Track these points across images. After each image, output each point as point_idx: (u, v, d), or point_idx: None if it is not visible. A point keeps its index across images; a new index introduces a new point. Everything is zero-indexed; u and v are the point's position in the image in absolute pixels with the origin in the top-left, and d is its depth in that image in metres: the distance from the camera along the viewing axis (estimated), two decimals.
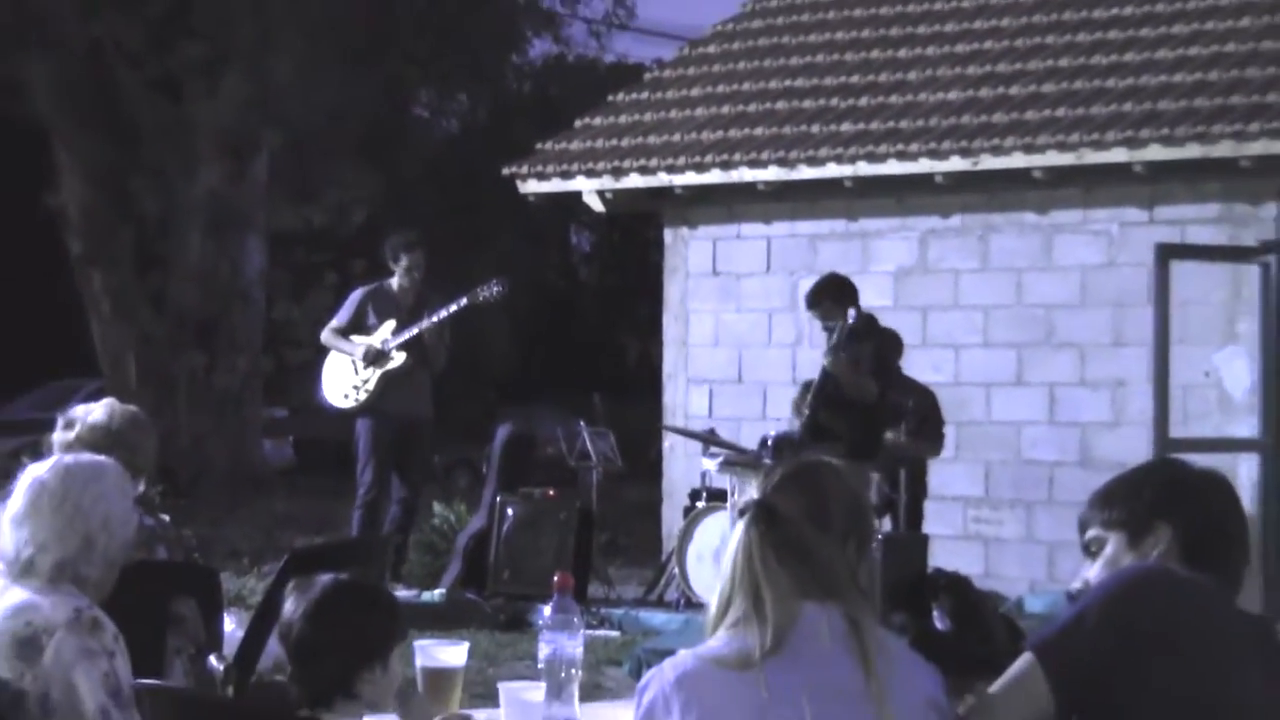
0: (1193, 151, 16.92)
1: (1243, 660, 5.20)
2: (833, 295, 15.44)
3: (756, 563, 4.86)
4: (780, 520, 4.91)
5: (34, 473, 6.15)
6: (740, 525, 4.92)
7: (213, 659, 7.00)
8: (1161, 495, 5.39)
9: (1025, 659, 5.08)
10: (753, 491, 5.07)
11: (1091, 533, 5.42)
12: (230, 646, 7.41)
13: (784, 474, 5.19)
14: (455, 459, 21.39)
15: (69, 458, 6.31)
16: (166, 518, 8.07)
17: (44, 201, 29.72)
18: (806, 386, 15.56)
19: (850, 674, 4.84)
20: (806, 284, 15.82)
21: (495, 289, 16.78)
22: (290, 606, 5.89)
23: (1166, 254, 16.57)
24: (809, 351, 16.35)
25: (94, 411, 7.75)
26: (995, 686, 5.10)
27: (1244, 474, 16.60)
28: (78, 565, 6.00)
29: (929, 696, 4.97)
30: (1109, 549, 5.38)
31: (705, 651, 4.90)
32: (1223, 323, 17.00)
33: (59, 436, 7.54)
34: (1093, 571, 5.39)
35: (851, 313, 15.23)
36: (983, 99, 18.73)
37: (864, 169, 18.43)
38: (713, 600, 4.96)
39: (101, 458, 6.43)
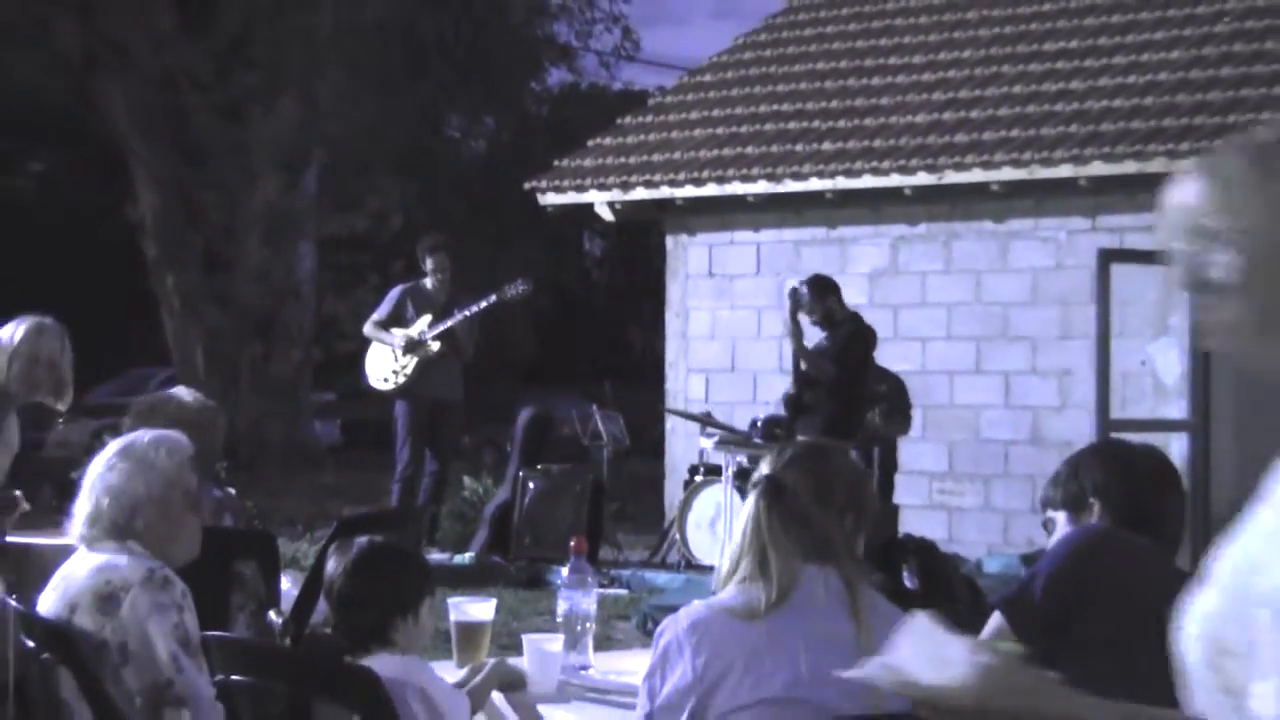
0: (1130, 168, 16.93)
1: (1174, 606, 5.23)
2: (819, 289, 15.54)
3: (764, 529, 4.97)
4: (787, 493, 5.01)
5: (113, 446, 6.18)
6: (752, 497, 5.04)
7: (271, 614, 7.02)
8: (1094, 477, 5.54)
9: (994, 618, 5.27)
10: (764, 467, 5.10)
11: (1046, 515, 5.63)
12: (286, 603, 7.40)
13: (794, 454, 5.23)
14: (482, 438, 21.36)
15: (144, 432, 6.32)
16: (232, 490, 8.09)
17: (124, 212, 29.66)
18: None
19: (843, 626, 4.94)
20: (792, 284, 15.80)
21: (521, 287, 16.80)
22: (332, 565, 6.04)
23: (1108, 258, 16.56)
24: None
25: (173, 398, 7.76)
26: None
27: (1176, 450, 16.60)
28: (146, 525, 6.00)
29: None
30: (1057, 528, 5.55)
31: (716, 603, 5.02)
32: (1156, 318, 16.99)
33: (134, 418, 7.53)
34: (1052, 541, 5.55)
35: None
36: (946, 121, 18.72)
37: (842, 183, 18.43)
38: (724, 560, 5.15)
39: (173, 432, 6.43)
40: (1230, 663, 2.91)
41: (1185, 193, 3.06)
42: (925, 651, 3.19)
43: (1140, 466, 5.63)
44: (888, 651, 3.24)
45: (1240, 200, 3.00)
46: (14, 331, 8.50)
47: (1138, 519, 5.47)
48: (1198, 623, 3.15)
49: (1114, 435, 5.55)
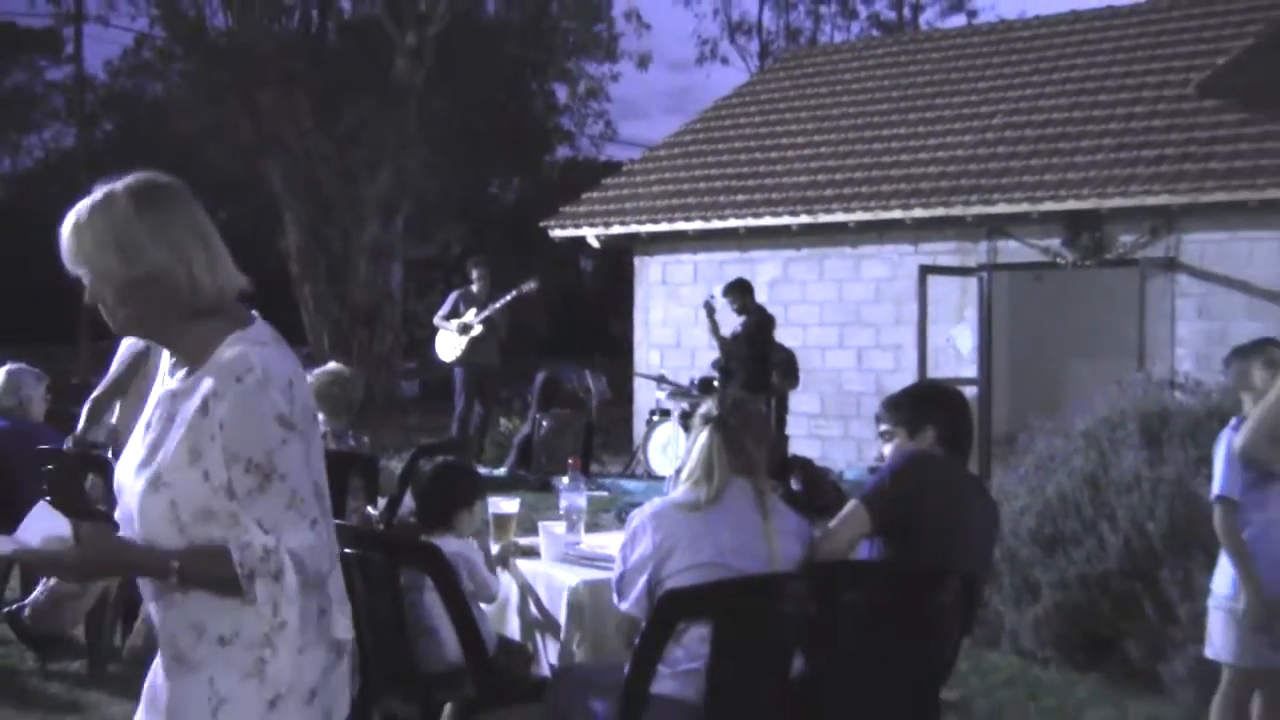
0: (940, 212, 16.92)
1: (971, 499, 5.48)
2: (739, 291, 15.57)
3: (710, 450, 5.07)
4: (728, 427, 5.11)
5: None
6: (704, 430, 5.13)
7: (370, 509, 6.96)
8: (928, 405, 5.63)
9: (852, 504, 5.34)
10: (711, 410, 5.17)
11: (884, 427, 5.64)
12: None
13: (733, 401, 5.31)
14: (513, 392, 21.30)
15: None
16: (350, 432, 7.99)
17: (278, 245, 29.61)
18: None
19: (754, 518, 5.06)
20: (719, 288, 15.79)
21: (530, 285, 16.83)
22: (419, 473, 6.12)
23: (925, 271, 16.62)
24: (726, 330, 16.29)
25: (324, 369, 7.69)
26: (834, 521, 5.36)
27: (968, 398, 16.61)
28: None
29: (796, 529, 5.10)
30: (898, 439, 5.54)
31: (670, 499, 5.13)
32: (957, 311, 16.97)
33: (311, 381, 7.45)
34: (886, 449, 5.60)
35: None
36: (819, 181, 18.71)
37: (750, 221, 18.40)
38: (681, 469, 5.22)
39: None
40: None
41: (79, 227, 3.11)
42: (41, 529, 3.06)
43: (956, 403, 5.70)
44: (20, 532, 3.08)
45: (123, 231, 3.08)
46: None
47: (953, 439, 5.52)
48: None
49: (935, 380, 5.76)
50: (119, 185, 3.14)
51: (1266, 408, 5.47)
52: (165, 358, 3.27)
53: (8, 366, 8.89)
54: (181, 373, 3.19)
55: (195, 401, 3.08)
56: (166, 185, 3.18)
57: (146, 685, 3.30)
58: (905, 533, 5.24)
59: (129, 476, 3.16)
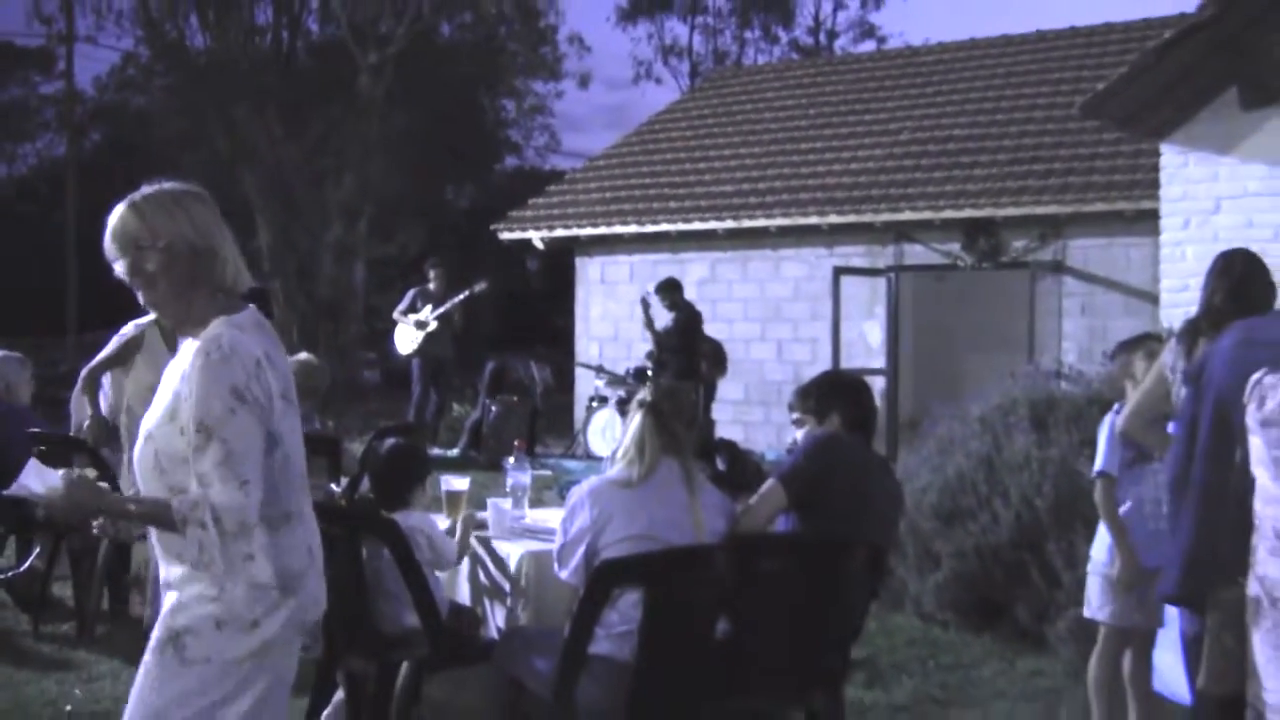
0: (852, 218, 16.99)
1: (875, 476, 5.47)
2: (669, 290, 15.57)
3: (644, 432, 5.07)
4: (660, 413, 5.10)
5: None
6: (638, 414, 5.12)
7: (332, 486, 6.93)
8: (833, 394, 5.57)
9: (770, 483, 5.36)
10: (646, 396, 5.16)
11: (795, 414, 5.66)
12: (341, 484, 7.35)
13: (665, 389, 5.32)
14: (465, 380, 21.21)
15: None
16: (316, 416, 7.97)
17: (251, 244, 29.42)
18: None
19: (681, 494, 5.05)
20: (653, 285, 15.79)
21: (482, 285, 16.79)
22: (376, 454, 6.10)
23: (839, 272, 16.67)
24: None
25: (294, 359, 7.62)
26: (754, 498, 5.33)
27: (877, 386, 16.69)
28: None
29: (720, 504, 5.11)
30: (808, 425, 5.53)
31: (606, 477, 5.10)
32: (867, 308, 17.03)
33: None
34: (799, 435, 5.60)
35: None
36: (743, 189, 18.72)
37: (681, 226, 18.40)
38: (617, 449, 5.19)
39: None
40: None
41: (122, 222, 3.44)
42: (40, 479, 3.37)
43: (859, 390, 5.65)
44: (23, 478, 3.38)
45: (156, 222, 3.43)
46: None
47: (857, 422, 5.49)
48: None
49: (840, 369, 5.71)
50: (169, 184, 3.55)
51: (1143, 393, 5.51)
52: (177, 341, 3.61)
53: None
54: (184, 345, 3.54)
55: (181, 371, 3.45)
56: (205, 192, 3.57)
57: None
58: (817, 507, 5.25)
59: (140, 434, 3.54)
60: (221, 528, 3.33)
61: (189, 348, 3.47)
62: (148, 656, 3.49)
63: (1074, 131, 16.63)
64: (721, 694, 5.07)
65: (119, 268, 3.49)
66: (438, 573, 5.82)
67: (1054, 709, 6.98)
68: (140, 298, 3.56)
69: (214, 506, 3.31)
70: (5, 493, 3.54)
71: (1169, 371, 5.42)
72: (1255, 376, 3.88)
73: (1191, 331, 5.40)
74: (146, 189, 3.50)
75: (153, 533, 3.55)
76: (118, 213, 3.48)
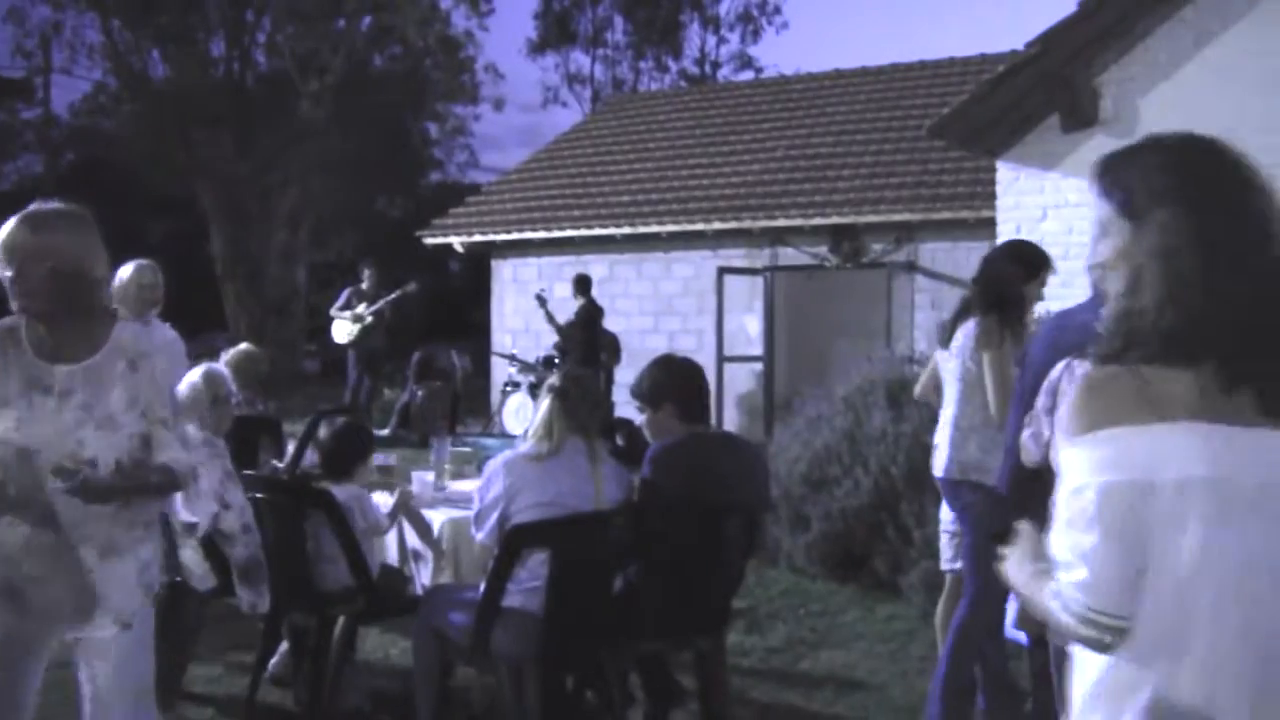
0: (734, 225, 17.00)
1: (720, 455, 5.22)
2: (580, 285, 15.58)
3: (553, 412, 5.00)
4: (568, 395, 5.03)
5: (193, 374, 5.97)
6: (548, 396, 5.04)
7: (275, 462, 6.85)
8: (663, 385, 5.26)
9: (640, 481, 5.16)
10: (556, 380, 5.09)
11: (637, 405, 5.35)
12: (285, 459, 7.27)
13: (572, 376, 5.20)
14: (394, 367, 20.98)
15: (202, 367, 6.13)
16: (259, 399, 7.86)
17: (206, 250, 29.05)
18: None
19: (586, 467, 5.02)
20: (560, 286, 15.75)
21: (412, 286, 16.64)
22: (324, 432, 6.01)
23: (722, 272, 16.70)
24: (560, 319, 16.22)
25: (238, 348, 7.52)
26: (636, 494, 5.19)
27: (756, 371, 16.76)
28: (201, 414, 5.83)
29: (618, 476, 5.21)
30: (646, 415, 5.28)
31: (519, 450, 5.03)
32: (747, 303, 17.08)
33: (227, 358, 7.29)
34: (643, 422, 5.33)
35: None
36: (638, 199, 18.69)
37: (583, 232, 18.33)
38: (529, 427, 5.07)
39: (217, 366, 6.27)
40: None
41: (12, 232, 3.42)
42: None
43: (688, 377, 5.33)
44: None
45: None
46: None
47: (689, 409, 5.24)
48: None
49: (668, 355, 5.24)
50: (65, 206, 3.51)
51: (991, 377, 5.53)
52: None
53: None
54: (77, 355, 3.51)
55: (120, 365, 3.49)
56: (87, 214, 3.56)
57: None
58: (669, 487, 5.09)
59: (52, 430, 3.43)
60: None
61: (101, 350, 3.58)
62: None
63: (923, 150, 16.77)
64: (619, 640, 5.08)
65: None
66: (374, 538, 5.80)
67: (907, 647, 7.05)
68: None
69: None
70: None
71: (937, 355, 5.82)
72: (1067, 360, 3.76)
73: (955, 317, 5.69)
74: (47, 207, 3.50)
75: (110, 517, 3.55)
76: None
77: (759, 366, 16.72)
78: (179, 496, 5.40)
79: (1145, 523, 1.90)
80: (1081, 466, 1.95)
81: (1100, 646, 1.97)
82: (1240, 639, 1.91)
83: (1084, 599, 1.94)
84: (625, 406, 17.56)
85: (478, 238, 19.63)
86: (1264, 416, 1.94)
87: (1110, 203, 2.12)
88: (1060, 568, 1.98)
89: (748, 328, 17.15)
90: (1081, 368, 3.37)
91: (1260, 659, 1.91)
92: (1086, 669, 2.03)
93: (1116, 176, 2.12)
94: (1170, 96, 9.80)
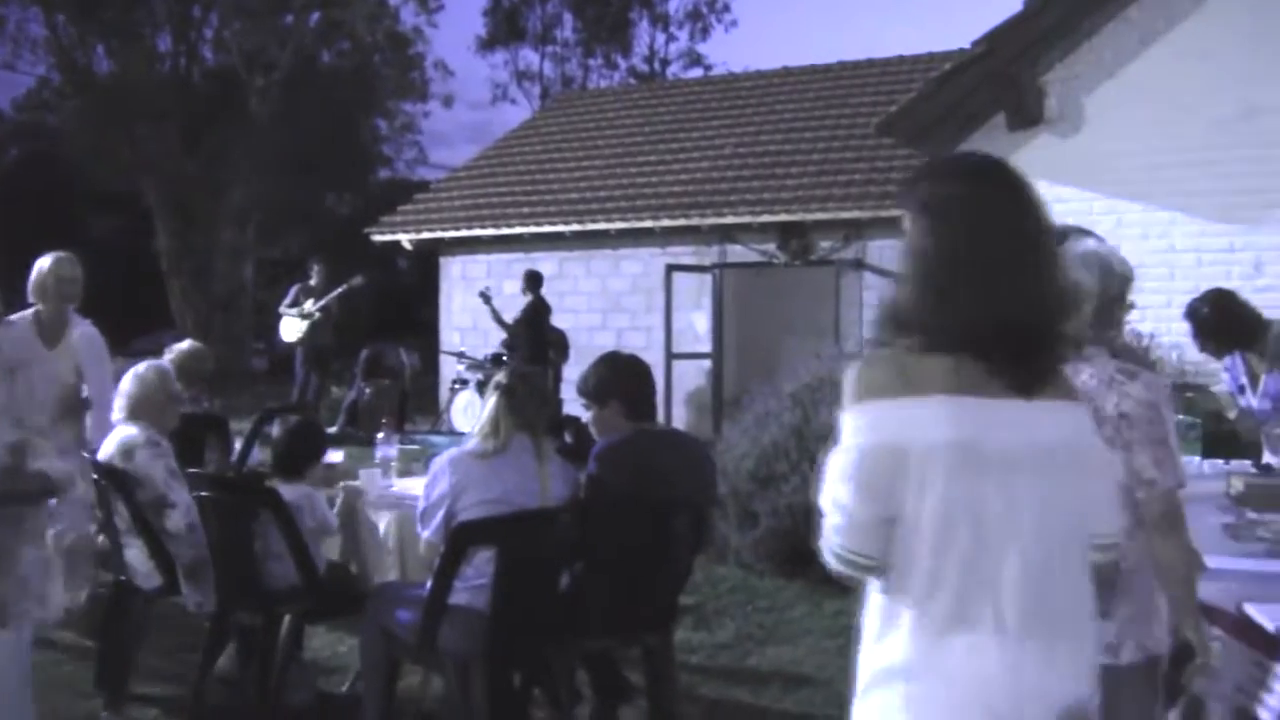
0: (682, 222, 17.04)
1: (667, 452, 5.24)
2: (530, 281, 15.56)
3: (499, 410, 5.00)
4: (514, 392, 5.04)
5: (137, 368, 5.95)
6: (495, 394, 5.05)
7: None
8: (609, 383, 5.28)
9: (585, 478, 5.17)
10: (502, 379, 5.09)
11: (583, 402, 5.37)
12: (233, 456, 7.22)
13: (518, 374, 5.21)
14: (342, 365, 20.87)
15: (149, 362, 6.10)
16: (204, 397, 7.82)
17: (152, 246, 28.85)
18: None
19: (530, 463, 5.01)
20: (509, 283, 15.72)
21: (358, 281, 16.52)
22: (278, 431, 6.02)
23: (671, 269, 16.73)
24: (507, 316, 16.21)
25: (182, 345, 7.47)
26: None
27: (704, 368, 16.80)
28: (146, 412, 5.80)
29: (564, 473, 5.17)
30: (592, 412, 5.31)
31: (465, 448, 5.02)
32: (695, 300, 17.12)
33: (170, 354, 7.24)
34: (589, 419, 5.36)
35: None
36: (587, 196, 18.69)
37: (532, 229, 18.30)
38: (476, 425, 5.05)
39: (162, 362, 6.25)
40: None
41: None
42: None
43: (633, 375, 5.36)
44: None
45: None
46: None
47: (635, 406, 5.26)
48: None
49: (614, 352, 5.19)
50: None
51: None
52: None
53: None
54: None
55: None
56: None
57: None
58: (620, 502, 5.12)
59: None
60: None
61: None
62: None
63: (871, 147, 16.85)
64: (566, 637, 5.08)
65: None
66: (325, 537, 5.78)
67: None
68: None
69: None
70: None
71: None
72: None
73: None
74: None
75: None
76: None
77: (707, 364, 16.76)
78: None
79: (895, 479, 2.21)
80: (848, 430, 2.28)
81: (859, 580, 2.34)
82: (989, 576, 2.20)
83: (841, 540, 2.30)
84: (573, 404, 17.60)
85: (426, 235, 19.56)
86: (1016, 394, 2.24)
87: (900, 209, 2.42)
88: (825, 515, 2.32)
89: (696, 325, 17.18)
90: None
91: (1016, 590, 2.20)
92: (870, 603, 2.39)
93: (910, 187, 2.41)
94: (1115, 95, 9.90)
